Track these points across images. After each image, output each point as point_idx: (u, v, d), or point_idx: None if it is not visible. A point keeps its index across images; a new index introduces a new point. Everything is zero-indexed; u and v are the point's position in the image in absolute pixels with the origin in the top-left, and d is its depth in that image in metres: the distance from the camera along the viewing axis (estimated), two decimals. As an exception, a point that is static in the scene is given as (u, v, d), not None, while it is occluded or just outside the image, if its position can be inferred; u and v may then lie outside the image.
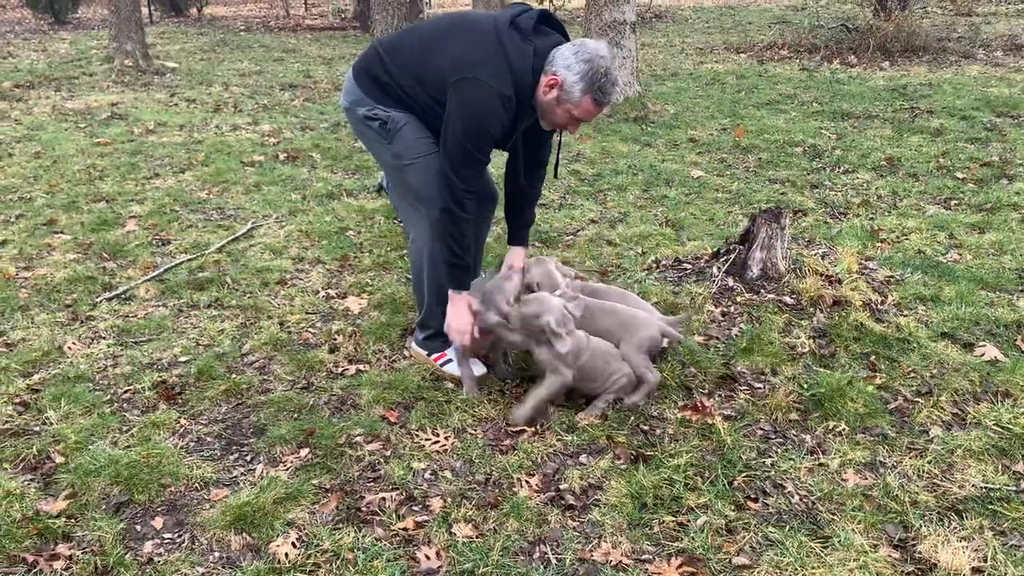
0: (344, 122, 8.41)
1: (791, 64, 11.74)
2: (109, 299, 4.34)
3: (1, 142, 7.59)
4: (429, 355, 3.58)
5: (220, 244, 5.08)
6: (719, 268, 4.16)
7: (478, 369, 3.48)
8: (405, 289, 4.29)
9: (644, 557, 2.51)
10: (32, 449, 3.02)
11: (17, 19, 19.79)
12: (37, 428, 3.18)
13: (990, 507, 2.67)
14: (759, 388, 3.39)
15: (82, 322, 4.09)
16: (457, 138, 3.03)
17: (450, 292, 3.28)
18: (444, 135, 3.06)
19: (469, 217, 3.16)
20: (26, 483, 2.84)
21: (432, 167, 3.26)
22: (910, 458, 2.93)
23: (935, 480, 2.82)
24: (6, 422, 3.22)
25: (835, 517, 2.65)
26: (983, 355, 3.58)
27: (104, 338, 3.93)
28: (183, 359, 3.71)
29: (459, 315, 3.27)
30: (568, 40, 3.12)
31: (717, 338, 3.73)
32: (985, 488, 2.76)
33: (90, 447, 3.03)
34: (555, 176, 3.86)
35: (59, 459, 2.96)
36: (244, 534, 2.61)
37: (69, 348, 3.81)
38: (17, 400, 3.36)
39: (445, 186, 3.10)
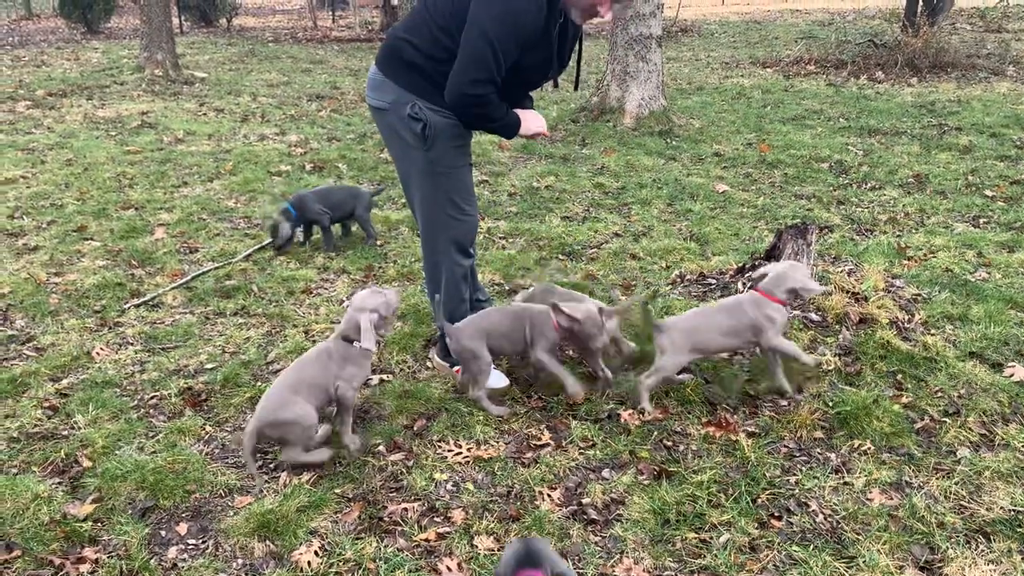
0: (370, 133, 8.47)
1: (818, 79, 11.69)
2: (137, 306, 4.39)
3: (34, 149, 7.72)
4: (452, 367, 3.59)
5: (247, 253, 5.13)
6: (744, 283, 4.14)
7: (501, 380, 3.49)
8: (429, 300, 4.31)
9: (666, 574, 2.49)
10: (60, 453, 3.06)
11: (51, 28, 20.14)
12: (65, 432, 3.22)
13: (1019, 530, 2.63)
14: (783, 405, 3.36)
15: (110, 328, 4.15)
16: (479, 40, 2.92)
17: (519, 135, 3.28)
18: (466, 36, 2.95)
19: (484, 112, 3.07)
20: (54, 486, 2.88)
21: (463, 179, 3.32)
22: (937, 479, 2.90)
23: (962, 501, 2.78)
24: (35, 426, 3.26)
25: (860, 537, 2.62)
26: (1012, 375, 3.53)
27: (132, 344, 3.98)
28: (209, 366, 3.75)
29: (530, 129, 3.26)
30: None
31: (741, 354, 3.71)
32: (1014, 511, 2.72)
33: (117, 452, 3.07)
34: (575, 89, 3.82)
35: (86, 463, 3.00)
36: (267, 541, 2.62)
37: (98, 354, 3.86)
38: (46, 404, 3.41)
39: (454, 91, 3.01)
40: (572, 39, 3.30)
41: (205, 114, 9.63)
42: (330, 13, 23.70)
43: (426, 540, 2.63)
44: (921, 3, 13.37)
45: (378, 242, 5.32)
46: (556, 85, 3.42)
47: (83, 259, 5.05)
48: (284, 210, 5.12)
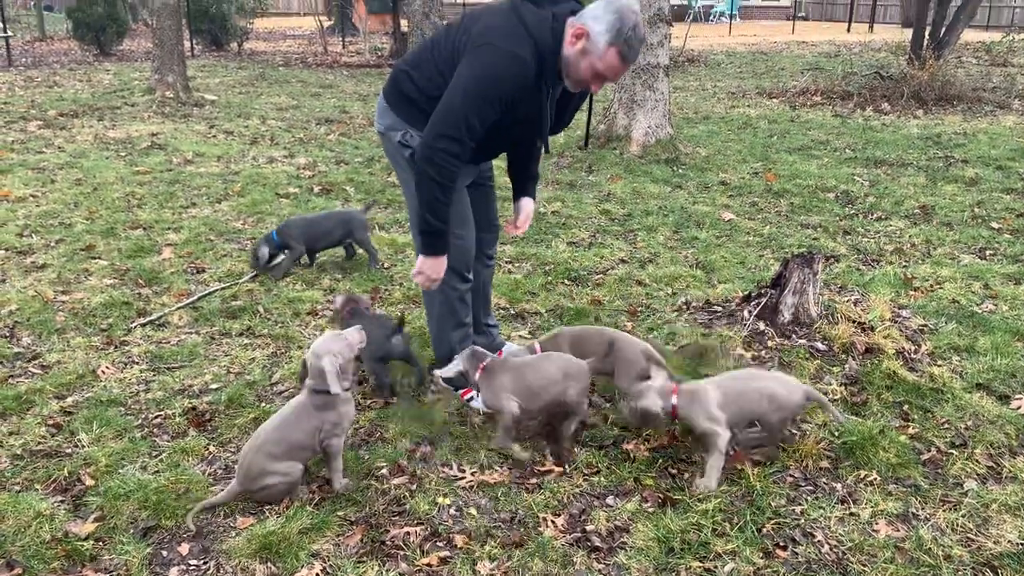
0: (378, 157, 8.53)
1: (824, 110, 11.75)
2: (143, 325, 4.40)
3: (44, 169, 7.77)
4: (456, 390, 3.58)
5: (254, 273, 5.14)
6: (750, 312, 4.14)
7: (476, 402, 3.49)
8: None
9: (670, 602, 2.47)
10: (63, 471, 3.05)
11: (64, 50, 20.35)
12: (69, 450, 3.22)
13: (1027, 564, 2.61)
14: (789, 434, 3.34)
15: (116, 347, 4.15)
16: (456, 98, 2.95)
17: (422, 258, 3.19)
18: (444, 98, 2.98)
19: (443, 183, 3.02)
20: (56, 504, 2.87)
21: (455, 203, 3.30)
22: (943, 511, 2.87)
23: (969, 534, 2.76)
24: (39, 443, 3.26)
25: (866, 569, 2.60)
26: (1020, 408, 3.52)
27: (137, 363, 3.98)
28: (214, 386, 3.75)
29: (434, 267, 3.20)
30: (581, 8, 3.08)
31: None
32: (1021, 544, 2.69)
33: (120, 471, 3.06)
34: (585, 146, 3.82)
35: (89, 482, 2.99)
36: (269, 563, 2.61)
37: (103, 372, 3.86)
38: (50, 422, 3.41)
39: (423, 146, 3.01)
40: (578, 99, 3.33)
41: (214, 136, 9.70)
42: (340, 39, 23.90)
43: (428, 565, 2.61)
44: (927, 36, 13.46)
45: (383, 264, 5.33)
46: (547, 150, 3.38)
47: (90, 278, 5.06)
48: (267, 236, 5.14)
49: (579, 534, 2.76)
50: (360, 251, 5.42)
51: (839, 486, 3.03)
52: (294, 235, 5.11)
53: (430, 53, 3.18)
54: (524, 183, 3.60)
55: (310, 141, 9.55)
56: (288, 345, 4.18)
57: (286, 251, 5.15)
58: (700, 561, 2.63)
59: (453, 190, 3.08)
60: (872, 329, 4.02)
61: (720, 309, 4.39)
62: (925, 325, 4.32)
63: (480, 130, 3.00)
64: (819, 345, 3.93)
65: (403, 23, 17.67)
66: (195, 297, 4.75)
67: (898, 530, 2.78)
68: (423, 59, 3.20)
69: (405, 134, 3.23)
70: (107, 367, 3.91)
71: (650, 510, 2.87)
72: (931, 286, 4.97)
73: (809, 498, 2.95)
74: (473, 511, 2.87)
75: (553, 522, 2.81)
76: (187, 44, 17.43)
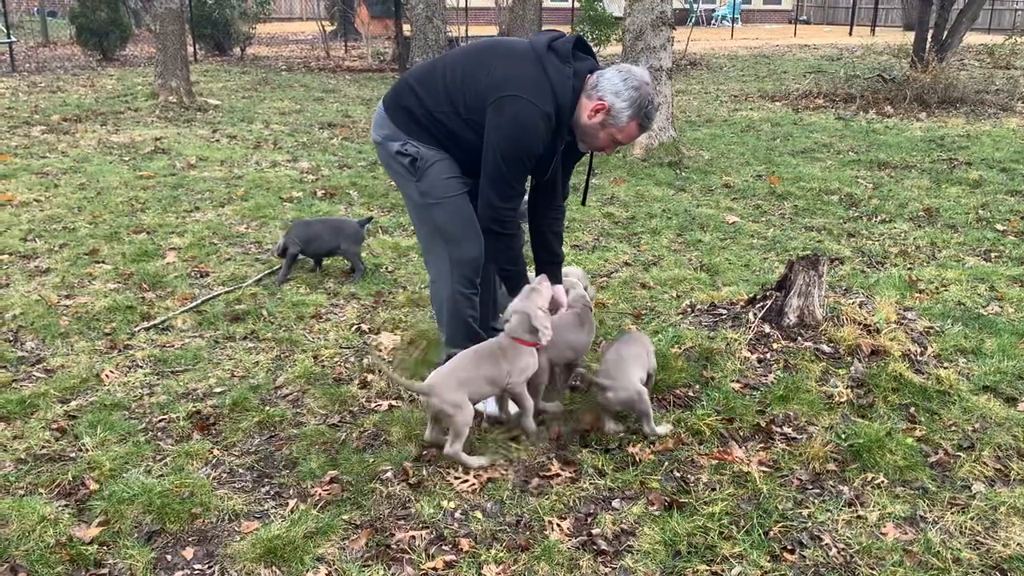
0: (381, 161, 8.53)
1: (826, 113, 11.74)
2: (147, 329, 4.40)
3: (48, 173, 7.78)
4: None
5: (258, 277, 5.14)
6: (755, 314, 4.12)
7: (490, 407, 3.45)
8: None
9: (677, 606, 2.46)
10: (67, 475, 3.05)
11: (67, 55, 20.40)
12: (73, 454, 3.21)
13: (1036, 567, 2.59)
14: (795, 437, 3.33)
15: (120, 351, 4.15)
16: (496, 156, 3.05)
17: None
18: (484, 155, 3.09)
19: (512, 233, 3.20)
20: (60, 509, 2.86)
21: (458, 208, 3.29)
22: (952, 514, 2.86)
23: (978, 537, 2.74)
24: (43, 447, 3.25)
25: (874, 572, 2.58)
26: (1027, 410, 3.50)
27: (141, 367, 3.98)
28: (218, 390, 3.74)
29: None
30: (598, 67, 3.15)
31: (753, 386, 3.69)
32: (1031, 547, 2.68)
33: (124, 475, 3.05)
34: (583, 203, 3.87)
35: (93, 486, 2.99)
36: (274, 567, 2.60)
37: (107, 376, 3.86)
38: (55, 426, 3.40)
39: (484, 206, 3.15)
40: (578, 155, 3.38)
41: (218, 140, 9.71)
42: (343, 43, 23.93)
43: (434, 569, 2.60)
44: (929, 39, 13.46)
45: (388, 268, 5.32)
46: (584, 203, 3.64)
47: (94, 282, 5.06)
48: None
49: (585, 537, 2.75)
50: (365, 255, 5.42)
51: (846, 489, 3.01)
52: (290, 238, 5.10)
53: (441, 73, 3.19)
54: (554, 267, 3.55)
55: (313, 145, 9.56)
56: (292, 348, 4.18)
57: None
58: (707, 564, 2.61)
59: (519, 235, 3.21)
60: (878, 331, 4.00)
61: (725, 312, 4.37)
62: (931, 327, 4.31)
63: (525, 176, 3.17)
64: (824, 347, 3.91)
65: (405, 27, 17.68)
66: (199, 301, 4.75)
67: (906, 533, 2.77)
68: (432, 77, 3.22)
69: (404, 144, 3.24)
70: (111, 371, 3.90)
71: (656, 513, 2.86)
72: (936, 288, 4.96)
73: (816, 501, 2.94)
74: (479, 514, 2.86)
75: (559, 525, 2.80)
76: (190, 49, 17.45)
